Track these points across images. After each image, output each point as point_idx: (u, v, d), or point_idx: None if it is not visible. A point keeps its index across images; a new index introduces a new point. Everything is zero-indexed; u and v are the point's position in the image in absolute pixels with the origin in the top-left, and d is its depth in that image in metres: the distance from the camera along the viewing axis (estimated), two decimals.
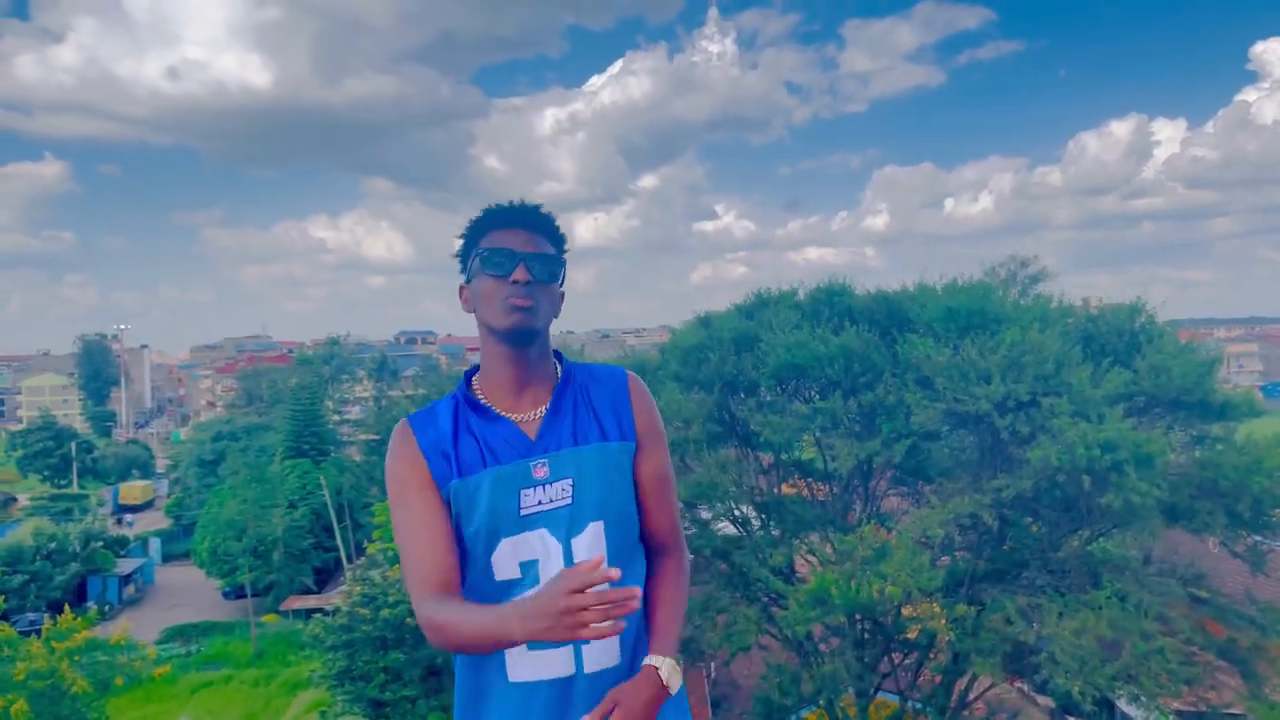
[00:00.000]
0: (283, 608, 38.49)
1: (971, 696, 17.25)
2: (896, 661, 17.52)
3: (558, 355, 2.05)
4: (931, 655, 17.10)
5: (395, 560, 28.41)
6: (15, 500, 62.13)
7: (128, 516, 56.66)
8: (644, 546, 2.03)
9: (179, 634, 36.87)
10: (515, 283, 1.88)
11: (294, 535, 39.15)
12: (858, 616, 15.96)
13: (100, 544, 41.92)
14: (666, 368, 18.68)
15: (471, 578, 1.90)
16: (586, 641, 1.82)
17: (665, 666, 1.82)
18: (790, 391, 17.26)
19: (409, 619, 22.99)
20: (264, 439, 50.35)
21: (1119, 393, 14.06)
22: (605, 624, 1.52)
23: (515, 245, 1.91)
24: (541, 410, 1.95)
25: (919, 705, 17.32)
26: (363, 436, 51.17)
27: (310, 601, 36.79)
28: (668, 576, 2.02)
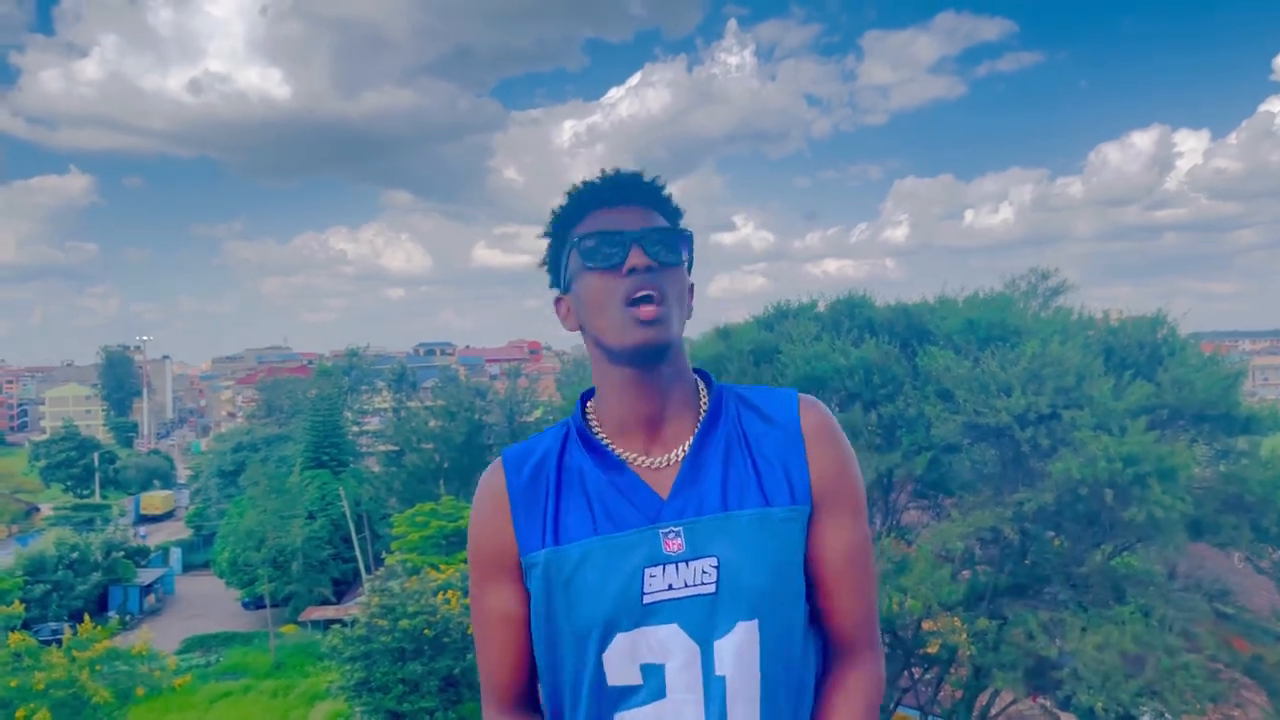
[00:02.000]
0: (302, 618, 38.57)
1: (993, 712, 17.11)
2: (917, 676, 17.40)
3: (702, 374, 1.51)
4: (952, 670, 16.98)
5: (414, 571, 28.47)
6: (38, 510, 62.67)
7: (141, 529, 57.00)
8: (820, 646, 1.48)
9: (199, 644, 36.99)
10: (633, 271, 1.37)
11: (313, 546, 39.26)
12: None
13: (122, 554, 42.18)
14: None
15: (575, 677, 1.39)
16: None
17: None
18: None
19: (427, 630, 23.04)
20: (284, 450, 50.60)
21: (1141, 405, 13.96)
22: None
23: (621, 225, 1.40)
24: (679, 455, 1.41)
25: None
26: (382, 448, 51.30)
27: (329, 612, 36.84)
28: (847, 691, 1.43)
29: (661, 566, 1.35)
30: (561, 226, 1.47)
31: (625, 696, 1.36)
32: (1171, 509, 12.61)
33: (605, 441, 1.44)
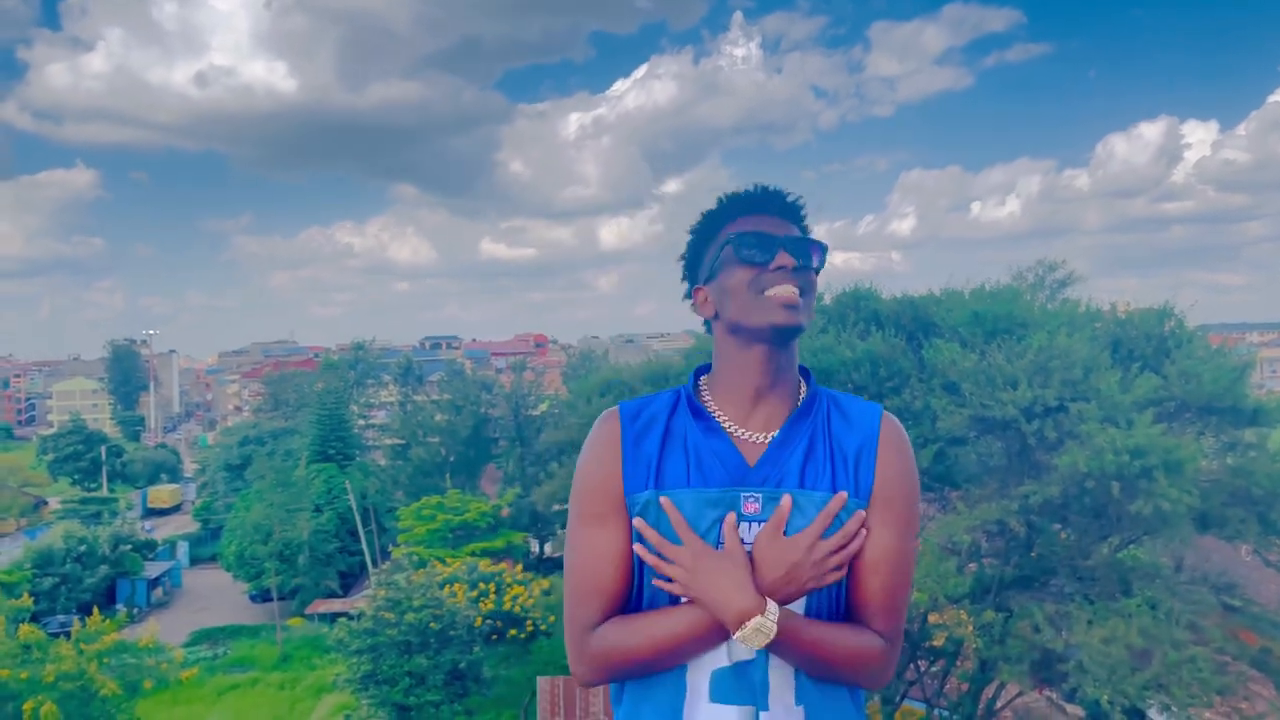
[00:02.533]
0: (308, 611, 38.68)
1: (999, 705, 17.09)
2: (923, 669, 17.38)
3: (804, 371, 1.74)
4: (959, 663, 16.96)
5: (420, 564, 28.53)
6: (46, 503, 62.93)
7: (148, 522, 57.21)
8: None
9: (206, 637, 37.15)
10: (781, 268, 1.62)
11: (319, 539, 39.35)
12: None
13: (129, 547, 42.33)
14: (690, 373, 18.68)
15: (651, 601, 1.65)
16: (765, 706, 1.57)
17: (769, 611, 1.54)
18: None
19: (433, 623, 23.08)
20: (290, 443, 50.73)
21: (1148, 398, 13.90)
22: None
23: (773, 230, 1.66)
24: (771, 434, 1.65)
25: (945, 713, 17.19)
26: (388, 441, 51.40)
27: (336, 605, 36.93)
28: (861, 631, 1.65)
29: (739, 523, 1.60)
30: (710, 226, 1.74)
31: None
32: (1178, 502, 12.55)
33: (711, 409, 1.69)
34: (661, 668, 1.61)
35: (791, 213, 1.72)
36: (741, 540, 1.58)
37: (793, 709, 1.60)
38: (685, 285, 1.81)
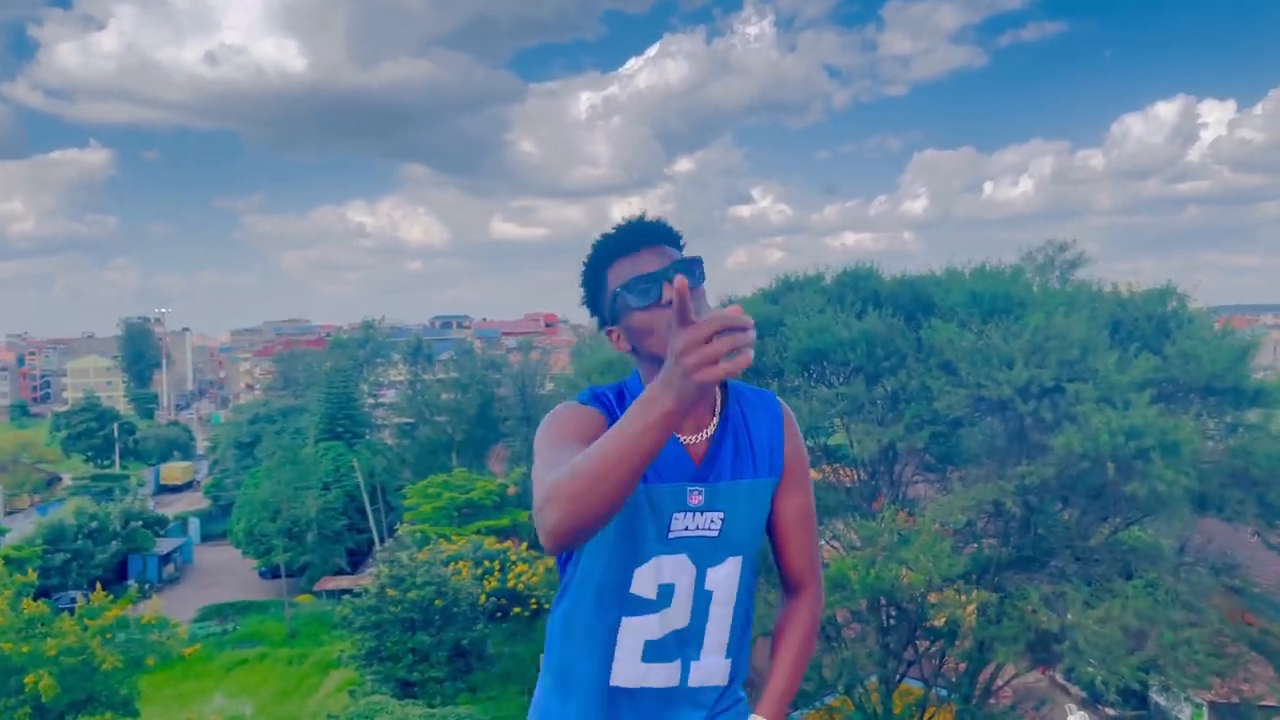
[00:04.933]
0: (317, 588, 38.97)
1: (998, 684, 17.10)
2: (922, 649, 17.39)
3: None
4: (957, 643, 16.96)
5: (424, 542, 28.65)
6: (59, 480, 63.45)
7: (159, 499, 57.57)
8: (781, 581, 2.01)
9: (215, 612, 37.45)
10: (670, 303, 1.62)
11: (328, 517, 39.58)
12: (882, 603, 15.87)
13: (140, 524, 42.63)
14: None
15: (609, 581, 1.84)
16: (696, 656, 1.87)
17: None
18: (814, 376, 17.14)
19: (437, 600, 23.23)
20: (299, 422, 50.89)
21: (1146, 379, 13.81)
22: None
23: (651, 266, 1.77)
24: (706, 435, 1.85)
25: (944, 693, 17.21)
26: (397, 420, 51.56)
27: (344, 582, 37.19)
28: (796, 617, 1.99)
29: (685, 513, 1.82)
30: (595, 271, 1.86)
31: (639, 606, 1.84)
32: (1174, 483, 12.48)
33: None
34: (615, 485, 1.51)
35: (665, 237, 1.83)
36: (685, 530, 1.80)
37: (723, 661, 1.91)
38: (595, 321, 1.94)
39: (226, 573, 43.67)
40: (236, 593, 40.37)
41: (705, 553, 1.83)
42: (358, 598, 24.29)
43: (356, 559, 42.08)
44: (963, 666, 17.04)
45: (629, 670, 1.86)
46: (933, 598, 15.52)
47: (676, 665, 1.87)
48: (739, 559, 1.86)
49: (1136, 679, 13.81)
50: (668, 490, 1.80)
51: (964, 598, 14.78)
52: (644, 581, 1.83)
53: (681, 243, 1.87)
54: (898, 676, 17.04)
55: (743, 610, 1.91)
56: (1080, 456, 12.87)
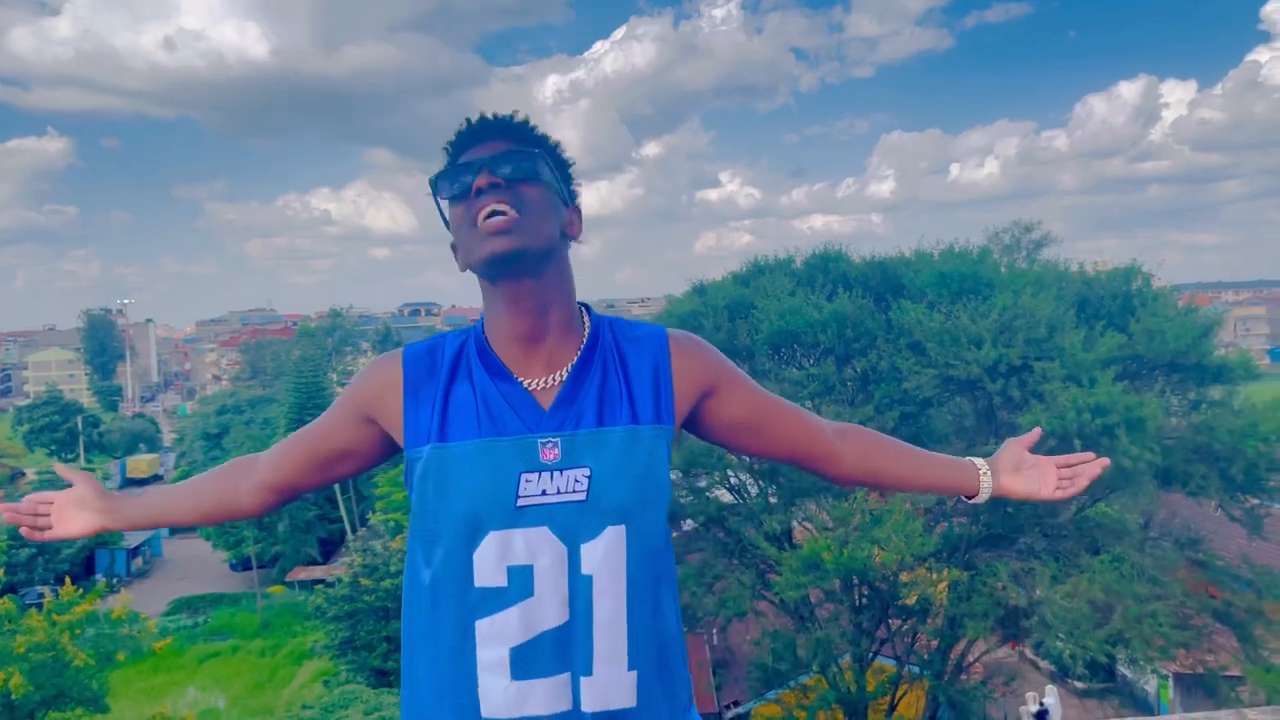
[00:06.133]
0: (289, 579, 38.74)
1: (969, 660, 17.32)
2: (894, 627, 17.59)
3: (585, 308, 1.59)
4: (928, 620, 17.17)
5: (397, 530, 28.57)
6: (23, 474, 62.52)
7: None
8: (817, 466, 1.70)
9: (186, 605, 37.15)
10: (481, 191, 1.43)
11: (298, 507, 39.29)
12: (855, 582, 16.02)
13: None
14: None
15: (443, 577, 1.45)
16: (586, 669, 1.44)
17: (984, 469, 1.76)
18: (785, 358, 17.24)
19: None
20: (268, 412, 50.54)
21: (1111, 356, 14.01)
22: None
23: (472, 157, 1.47)
24: (561, 375, 1.49)
25: (916, 669, 17.41)
26: None
27: (316, 572, 36.98)
28: (865, 443, 1.72)
29: (537, 473, 1.43)
30: (437, 177, 1.53)
31: (490, 601, 1.43)
32: (1139, 459, 12.69)
33: (498, 355, 1.51)
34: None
35: (506, 132, 1.50)
36: (542, 495, 1.43)
37: (626, 675, 1.45)
38: None
39: (196, 565, 43.30)
40: (207, 585, 40.05)
41: (572, 523, 1.43)
42: (331, 587, 24.19)
43: (329, 549, 41.87)
44: (934, 644, 17.24)
45: (499, 695, 1.43)
46: (905, 576, 15.69)
47: (563, 682, 1.43)
48: (621, 529, 1.44)
49: (1104, 652, 14.05)
50: (509, 445, 1.44)
51: (935, 576, 14.97)
52: (487, 566, 1.43)
53: (541, 140, 1.53)
54: (871, 655, 17.22)
55: (646, 600, 1.48)
56: (1048, 434, 13.02)
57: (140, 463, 65.74)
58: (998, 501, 14.86)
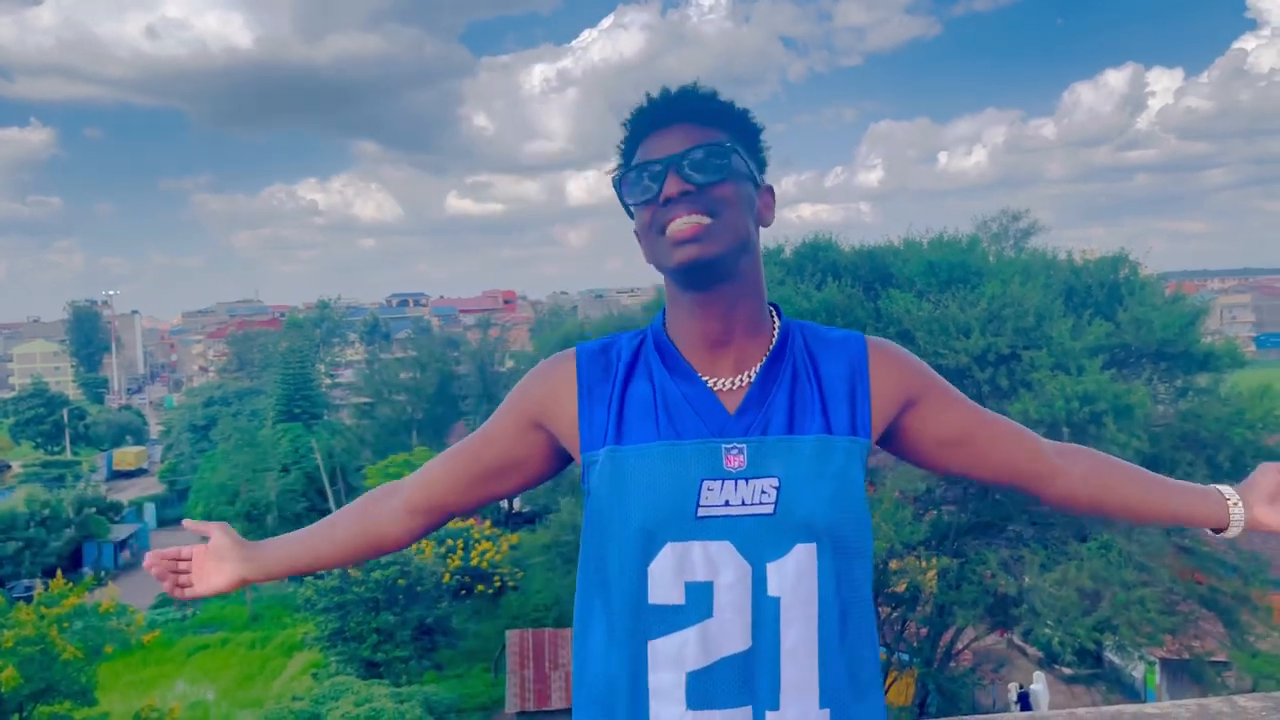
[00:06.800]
0: None
1: (958, 648, 17.43)
2: (884, 615, 17.67)
3: (774, 308, 1.48)
4: (918, 608, 17.27)
5: None
6: (8, 467, 62.19)
7: (104, 487, 56.82)
8: (1033, 486, 1.53)
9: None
10: (670, 200, 1.33)
11: (287, 499, 39.25)
12: None
13: (94, 510, 41.99)
14: None
15: (617, 592, 1.35)
16: (774, 706, 1.30)
17: (1233, 499, 1.55)
18: None
19: (400, 580, 23.18)
20: (255, 403, 50.37)
21: (1099, 344, 14.07)
22: None
23: (661, 151, 1.36)
24: (749, 376, 1.38)
25: (905, 657, 17.50)
26: (355, 400, 51.14)
27: None
28: (1092, 461, 1.55)
29: (720, 481, 1.32)
30: (623, 159, 1.44)
31: (665, 620, 1.31)
32: (1126, 446, 12.77)
33: (680, 353, 1.42)
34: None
35: (691, 111, 1.39)
36: (725, 505, 1.31)
37: (815, 712, 1.32)
38: None
39: None
40: None
41: (757, 538, 1.31)
42: (320, 579, 24.16)
43: None
44: (924, 631, 17.34)
45: None
46: (894, 564, 15.76)
47: (744, 715, 1.30)
48: (811, 548, 1.31)
49: (1091, 639, 14.14)
50: (690, 449, 1.33)
51: (925, 564, 15.05)
52: (663, 581, 1.31)
53: (738, 119, 1.41)
54: None
55: (841, 629, 1.34)
56: (1036, 423, 13.11)
57: (127, 455, 65.51)
58: (985, 489, 14.93)
